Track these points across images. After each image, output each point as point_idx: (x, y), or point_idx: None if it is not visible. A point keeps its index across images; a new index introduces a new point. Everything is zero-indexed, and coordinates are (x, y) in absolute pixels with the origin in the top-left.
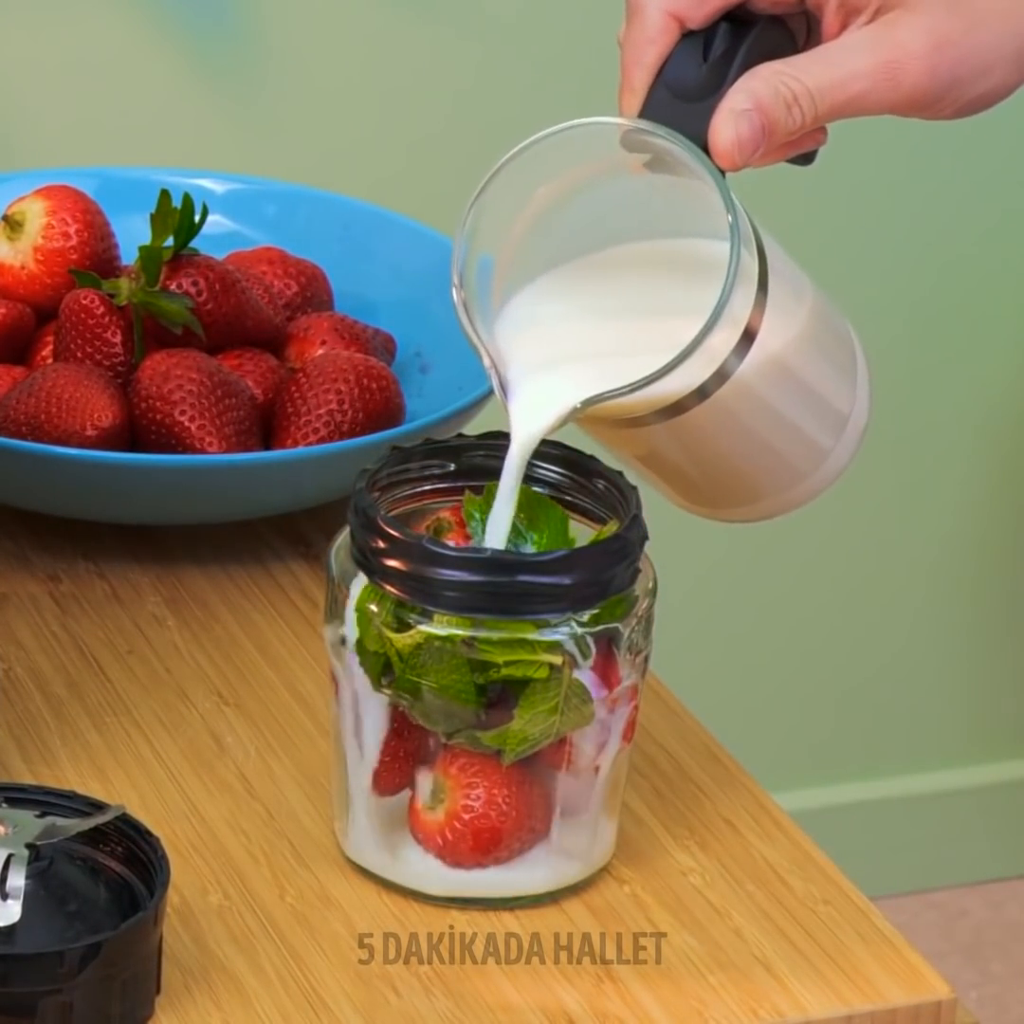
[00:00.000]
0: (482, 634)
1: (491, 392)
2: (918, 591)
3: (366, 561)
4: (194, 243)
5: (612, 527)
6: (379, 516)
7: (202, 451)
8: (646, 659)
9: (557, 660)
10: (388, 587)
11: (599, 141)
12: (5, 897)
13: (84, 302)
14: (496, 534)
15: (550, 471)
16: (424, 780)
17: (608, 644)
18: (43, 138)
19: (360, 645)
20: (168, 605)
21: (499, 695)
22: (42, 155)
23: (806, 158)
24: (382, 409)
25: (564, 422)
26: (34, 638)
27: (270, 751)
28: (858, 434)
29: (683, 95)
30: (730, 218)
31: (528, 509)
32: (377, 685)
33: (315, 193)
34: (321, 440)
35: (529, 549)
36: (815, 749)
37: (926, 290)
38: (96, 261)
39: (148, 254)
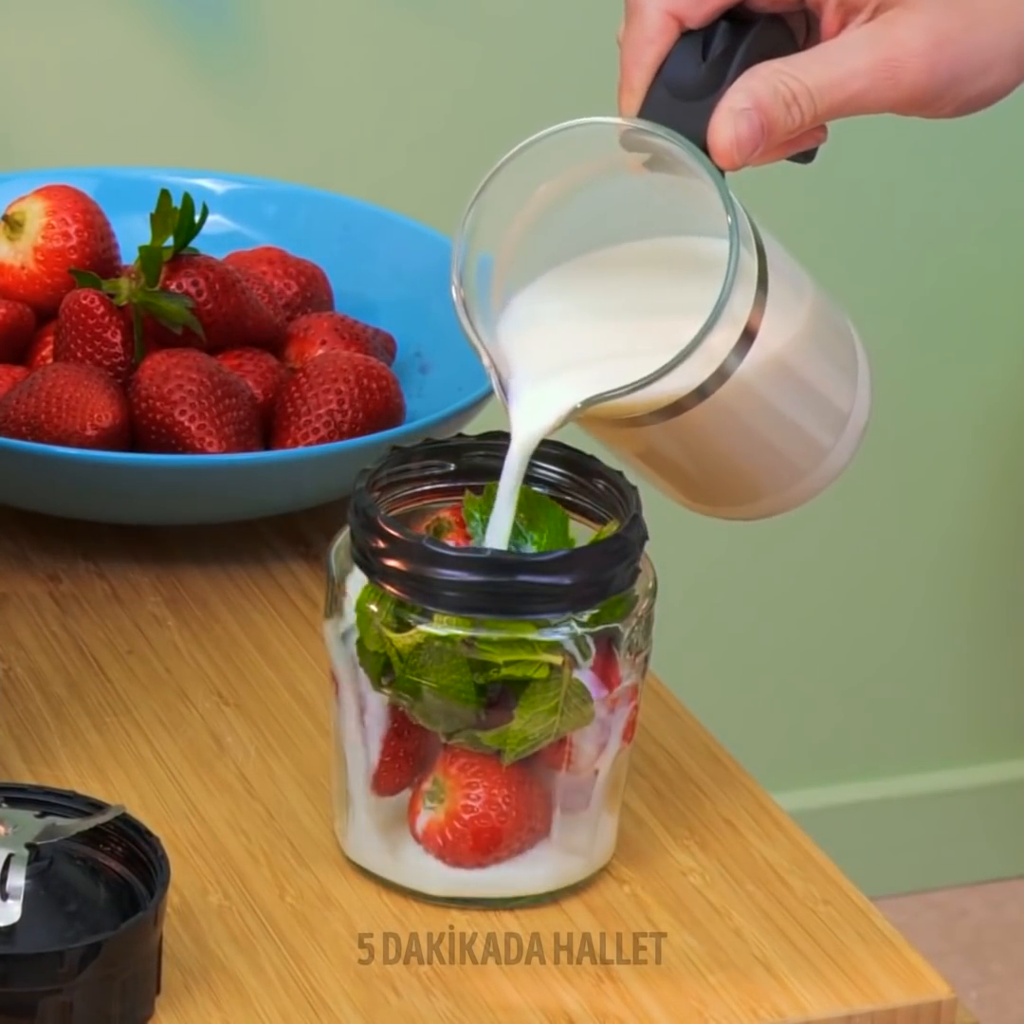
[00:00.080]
0: (482, 634)
1: (491, 392)
2: (918, 591)
3: (366, 561)
4: (194, 243)
5: (612, 527)
6: (379, 516)
7: (202, 451)
8: (646, 659)
9: (557, 660)
10: (388, 587)
11: (598, 140)
12: (5, 897)
13: (84, 302)
14: (497, 534)
15: (550, 471)
16: (424, 780)
17: (608, 644)
18: (43, 138)
19: (360, 645)
20: (168, 605)
21: (499, 695)
22: (42, 155)
23: (806, 156)
24: (382, 409)
25: (564, 422)
26: (34, 638)
27: (270, 751)
28: (858, 432)
29: (682, 94)
30: (729, 218)
31: (528, 509)
32: (377, 685)
33: (315, 193)
34: (321, 440)
35: (529, 549)
36: (815, 749)
37: (926, 290)
38: (96, 261)
39: (148, 254)
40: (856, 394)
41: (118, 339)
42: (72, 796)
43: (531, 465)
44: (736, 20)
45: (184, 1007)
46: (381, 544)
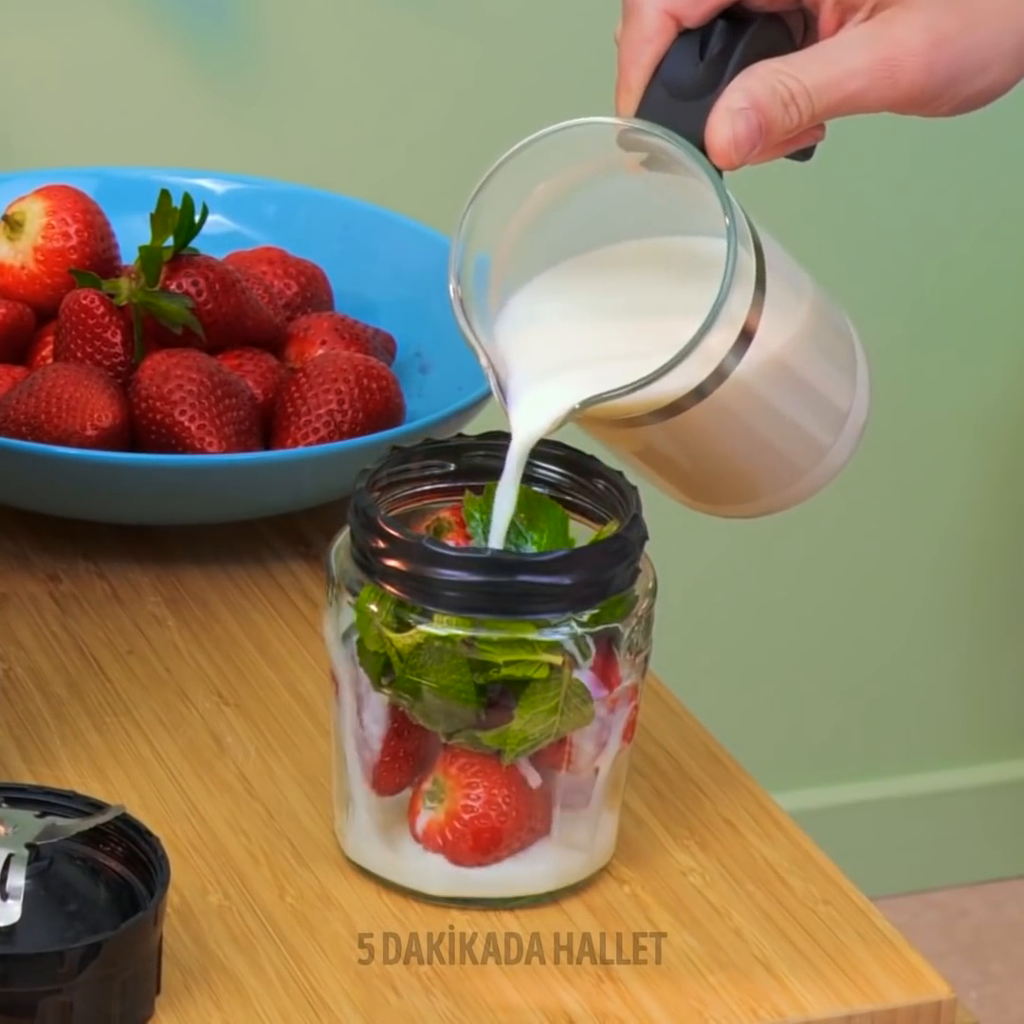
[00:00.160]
0: (482, 634)
1: (491, 392)
2: (918, 591)
3: (366, 561)
4: (194, 243)
5: (612, 527)
6: (379, 516)
7: (202, 451)
8: (646, 659)
9: (557, 660)
10: (388, 587)
11: (596, 140)
12: (5, 897)
13: (84, 302)
14: (495, 534)
15: (550, 471)
16: (424, 780)
17: (608, 644)
18: (43, 138)
19: (360, 645)
20: (168, 605)
21: (499, 695)
22: (42, 155)
23: (804, 153)
24: (382, 409)
25: (563, 423)
26: (34, 638)
27: (270, 751)
28: (857, 430)
29: (680, 94)
30: (726, 218)
31: (528, 509)
32: (377, 685)
33: (315, 193)
34: (321, 440)
35: (529, 549)
36: (815, 749)
37: (926, 290)
38: (96, 261)
39: (148, 254)
40: (855, 393)
41: (118, 339)
42: (72, 796)
43: (531, 465)
44: (733, 19)
45: (184, 1007)
46: (381, 544)
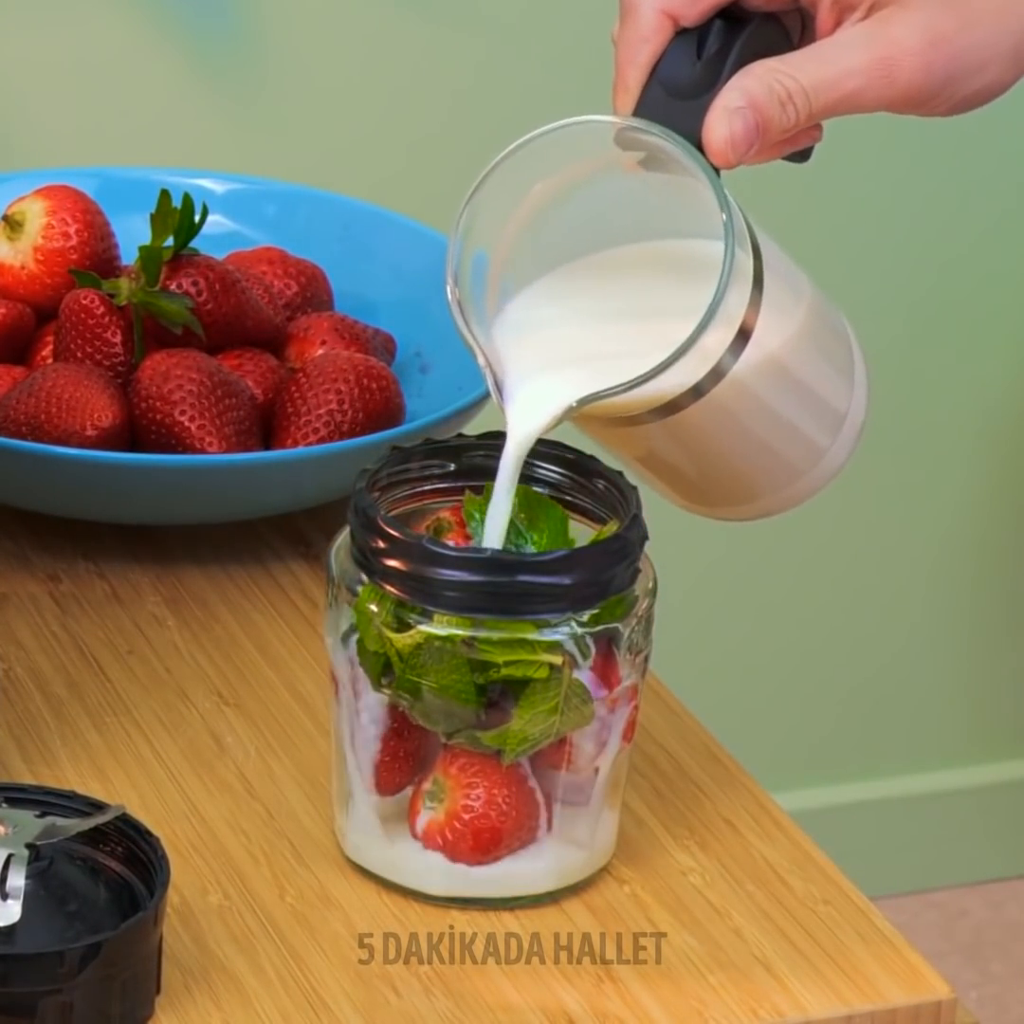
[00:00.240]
0: (482, 634)
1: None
2: (918, 591)
3: (366, 561)
4: (194, 243)
5: (612, 527)
6: (379, 516)
7: (202, 451)
8: (646, 659)
9: (557, 660)
10: (388, 587)
11: (594, 139)
12: (5, 897)
13: (84, 302)
14: (493, 533)
15: (550, 471)
16: (424, 780)
17: (608, 644)
18: (43, 138)
19: (360, 645)
20: (168, 605)
21: (499, 695)
22: (42, 155)
23: (802, 155)
24: (382, 409)
25: (559, 421)
26: (34, 638)
27: (270, 751)
28: (855, 432)
29: (677, 93)
30: (724, 216)
31: (528, 509)
32: (377, 685)
33: (315, 193)
34: (321, 440)
35: (529, 549)
36: (815, 749)
37: (926, 290)
38: (96, 261)
39: (148, 254)
40: (853, 394)
41: (118, 339)
42: (72, 796)
43: (531, 465)
44: (731, 19)
45: (184, 1007)
46: (381, 544)
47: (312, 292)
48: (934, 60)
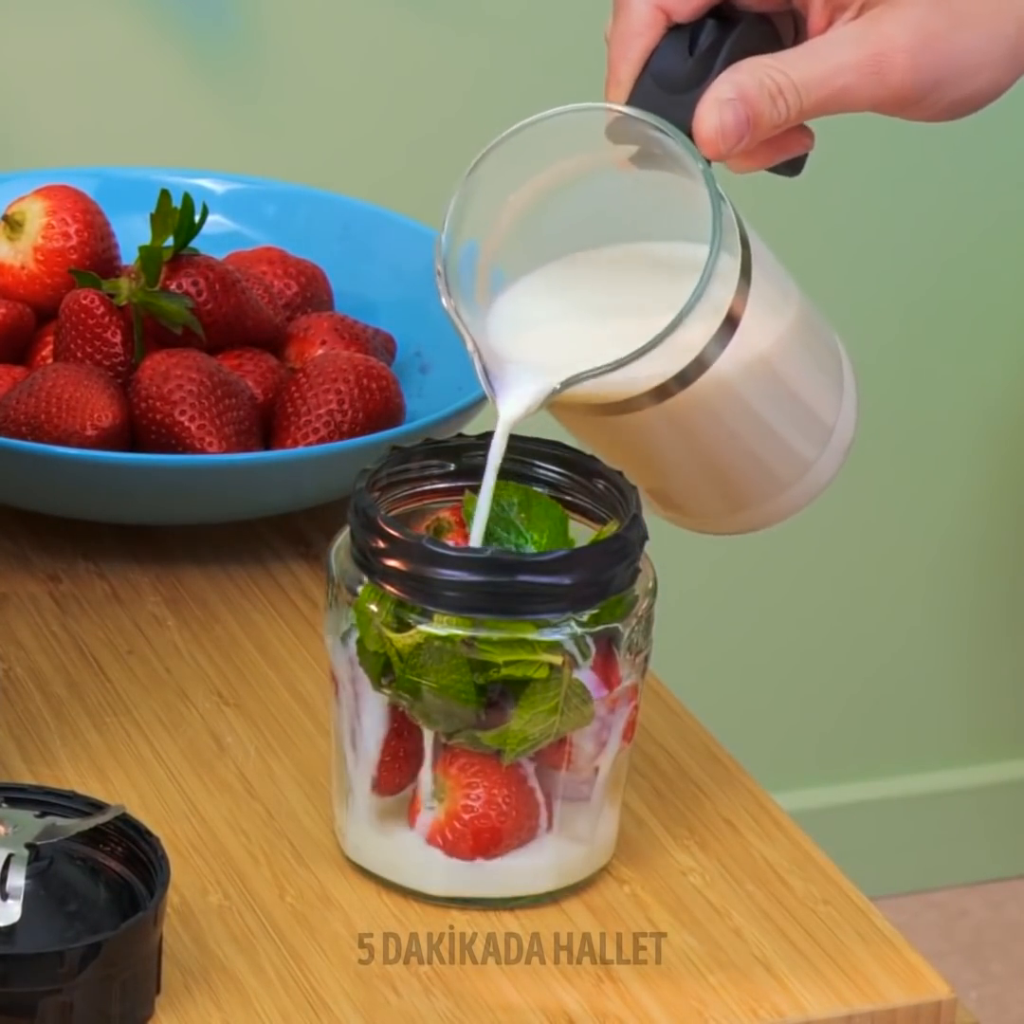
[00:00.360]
0: (482, 634)
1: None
2: (918, 591)
3: (366, 561)
4: (194, 243)
5: (612, 527)
6: (379, 516)
7: (202, 451)
8: (646, 659)
9: (557, 660)
10: (388, 587)
11: (586, 132)
12: (5, 897)
13: (84, 302)
14: (478, 524)
15: (550, 471)
16: (424, 780)
17: (608, 644)
18: (43, 138)
19: (360, 645)
20: (168, 605)
21: (499, 695)
22: (42, 155)
23: (793, 167)
24: (382, 409)
25: (543, 404)
26: (34, 638)
27: (270, 751)
28: (843, 448)
29: (669, 86)
30: (707, 188)
31: (528, 509)
32: (377, 685)
33: (315, 193)
34: (321, 440)
35: (529, 549)
36: (815, 749)
37: (926, 290)
38: (96, 261)
39: (148, 254)
40: (841, 407)
41: (118, 339)
42: (72, 796)
43: (531, 465)
44: (723, 19)
45: (184, 1007)
46: (381, 544)
47: (312, 292)
48: (925, 58)
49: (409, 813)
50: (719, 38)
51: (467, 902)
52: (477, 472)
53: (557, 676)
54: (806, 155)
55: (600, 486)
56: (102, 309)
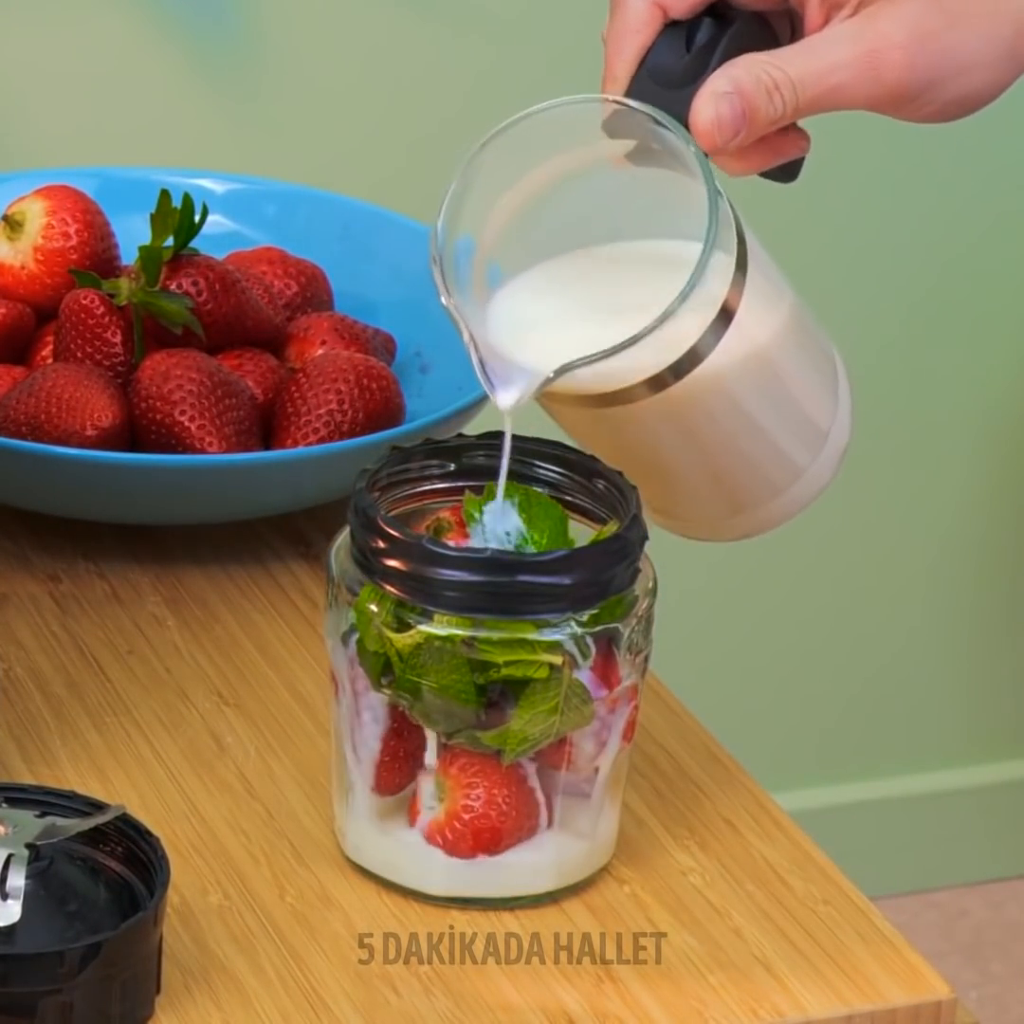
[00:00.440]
0: (482, 634)
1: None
2: (918, 591)
3: (366, 561)
4: (194, 243)
5: (612, 527)
6: (379, 516)
7: (202, 451)
8: (646, 659)
9: (557, 660)
10: (388, 587)
11: (583, 126)
12: (5, 897)
13: (84, 302)
14: (500, 522)
15: (550, 471)
16: (424, 780)
17: (608, 644)
18: (43, 138)
19: (360, 645)
20: (168, 605)
21: (499, 695)
22: (42, 155)
23: (788, 173)
24: (382, 409)
25: (539, 391)
26: (34, 638)
27: (270, 751)
28: (837, 455)
29: (665, 82)
30: (703, 177)
31: (528, 509)
32: (377, 685)
33: (315, 193)
34: (321, 440)
35: (529, 549)
36: (815, 749)
37: (926, 290)
38: (96, 261)
39: (148, 254)
40: (837, 413)
41: (118, 339)
42: (72, 796)
43: (531, 465)
44: (719, 17)
45: (184, 1007)
46: (381, 544)
47: (312, 292)
48: (921, 56)
49: (409, 813)
50: (715, 35)
51: (467, 902)
52: (477, 472)
53: (557, 676)
54: (802, 160)
55: (600, 486)
56: (102, 309)
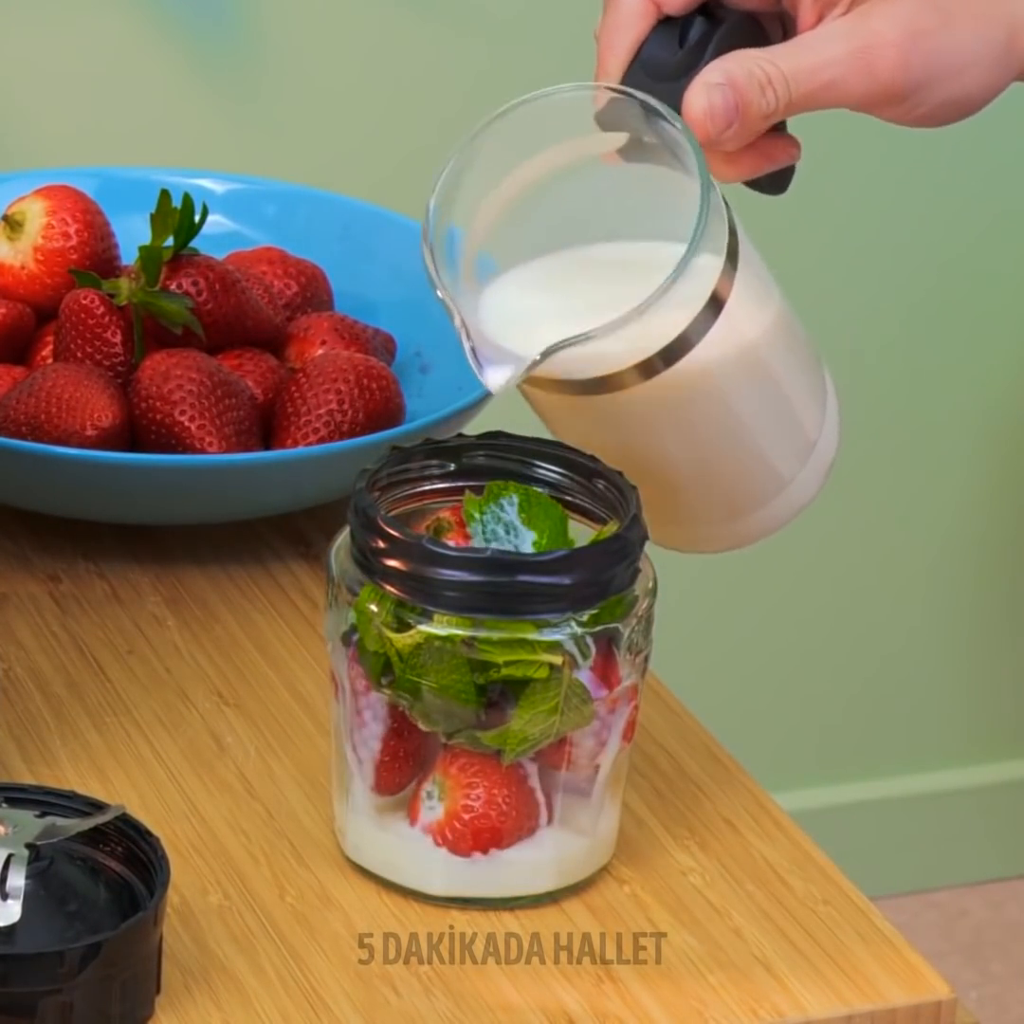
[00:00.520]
0: (482, 634)
1: (491, 392)
2: (918, 591)
3: (366, 561)
4: (194, 243)
5: (612, 527)
6: (379, 516)
7: (202, 451)
8: (646, 659)
9: (557, 660)
10: (388, 587)
11: (577, 118)
12: (5, 897)
13: (84, 302)
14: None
15: (550, 471)
16: (424, 780)
17: (608, 644)
18: (43, 138)
19: (360, 645)
20: (168, 605)
21: (499, 695)
22: (42, 155)
23: (778, 185)
24: (382, 409)
25: (528, 371)
26: (34, 638)
27: (270, 751)
28: (823, 469)
29: (658, 75)
30: (696, 161)
31: (528, 509)
32: (377, 685)
33: (315, 193)
34: (321, 440)
35: (529, 549)
36: (815, 749)
37: (926, 290)
38: (96, 261)
39: (148, 254)
40: (824, 424)
41: (118, 339)
42: (72, 796)
43: (531, 465)
44: (712, 18)
45: (184, 1007)
46: (381, 544)
47: (312, 292)
48: (914, 54)
49: (409, 813)
50: (707, 33)
51: (467, 902)
52: (477, 472)
53: (557, 676)
54: (792, 172)
55: (600, 486)
56: (102, 309)
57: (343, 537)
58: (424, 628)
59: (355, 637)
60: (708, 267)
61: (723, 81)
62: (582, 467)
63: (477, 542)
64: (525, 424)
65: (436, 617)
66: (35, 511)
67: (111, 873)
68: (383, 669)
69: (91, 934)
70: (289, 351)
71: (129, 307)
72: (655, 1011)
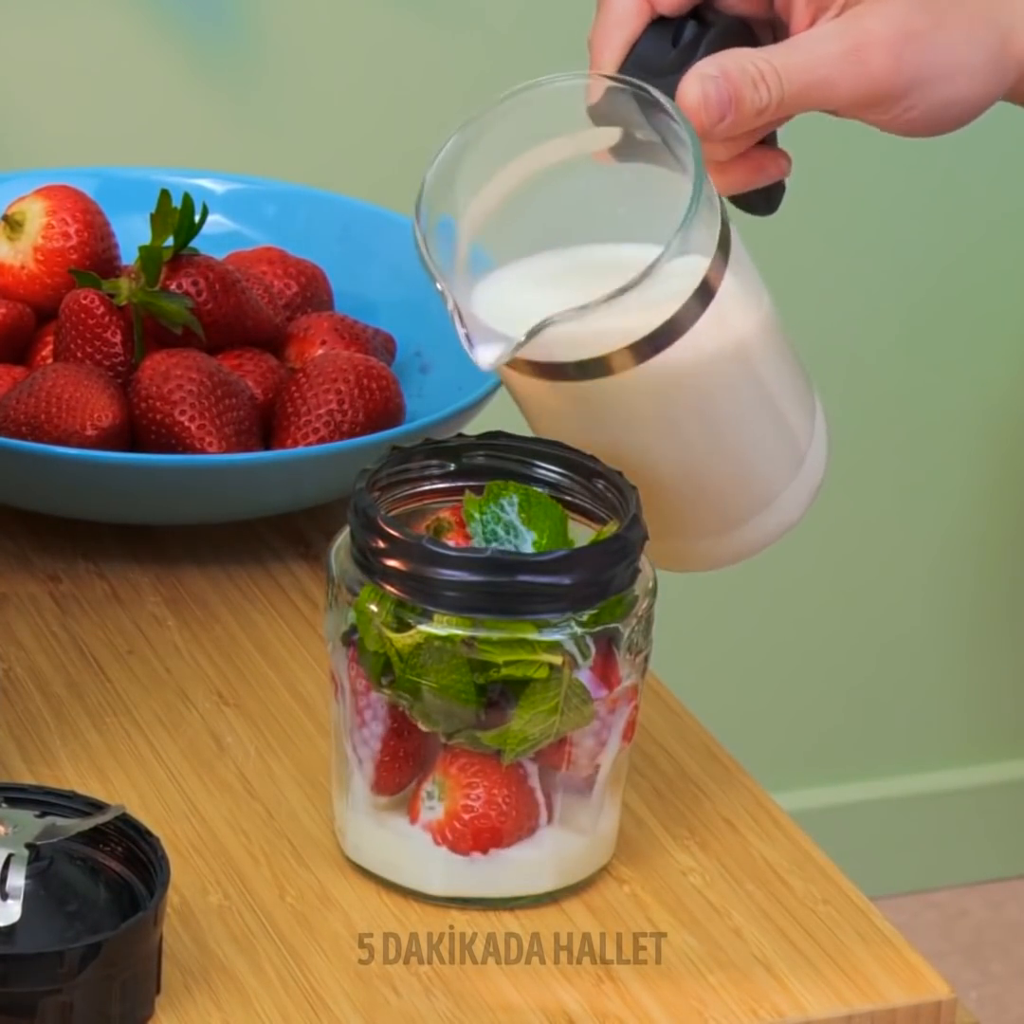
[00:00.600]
0: (482, 634)
1: (491, 392)
2: (918, 591)
3: (366, 561)
4: (194, 243)
5: (612, 527)
6: (379, 516)
7: (202, 451)
8: (646, 659)
9: (557, 660)
10: (388, 587)
11: (570, 113)
12: (5, 897)
13: (84, 302)
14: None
15: (550, 471)
16: (424, 780)
17: (608, 644)
18: (43, 138)
19: (360, 645)
20: (168, 605)
21: (499, 695)
22: (42, 155)
23: (769, 203)
24: (382, 409)
25: (519, 348)
26: (34, 638)
27: (270, 751)
28: (812, 486)
29: (652, 71)
30: (691, 145)
31: (528, 509)
32: (377, 685)
33: (315, 193)
34: (321, 440)
35: (529, 549)
36: (815, 749)
37: (926, 290)
38: (96, 261)
39: (148, 254)
40: (813, 440)
41: (118, 339)
42: (72, 796)
43: (531, 465)
44: (704, 22)
45: (184, 1007)
46: (381, 544)
47: (312, 292)
48: (906, 55)
49: (409, 813)
50: (700, 34)
51: (467, 902)
52: (477, 472)
53: (557, 676)
54: (782, 190)
55: (600, 486)
56: (102, 309)
57: (343, 537)
58: (424, 628)
59: (355, 637)
60: (701, 249)
61: (717, 73)
62: (582, 467)
63: (477, 542)
64: (525, 424)
65: (436, 617)
66: (35, 511)
67: (111, 873)
68: (383, 669)
69: (91, 934)
70: (289, 351)
71: (129, 307)
72: (655, 1011)
